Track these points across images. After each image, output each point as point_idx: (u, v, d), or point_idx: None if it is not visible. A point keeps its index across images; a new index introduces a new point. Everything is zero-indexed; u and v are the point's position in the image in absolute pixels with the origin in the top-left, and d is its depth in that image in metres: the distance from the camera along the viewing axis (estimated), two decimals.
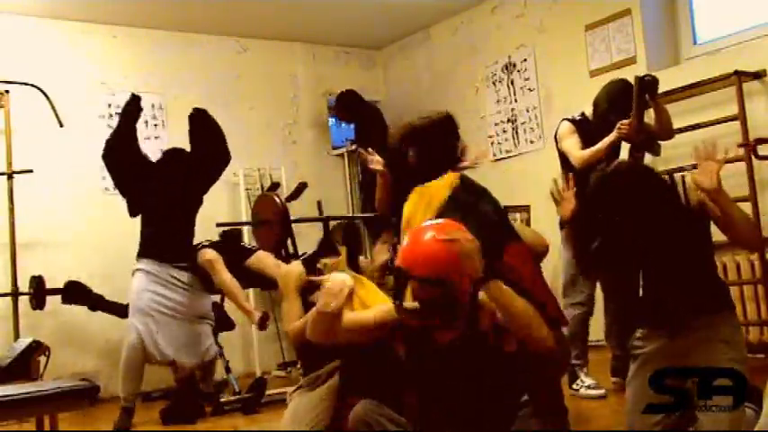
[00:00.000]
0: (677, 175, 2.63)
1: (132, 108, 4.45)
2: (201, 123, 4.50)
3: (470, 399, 2.23)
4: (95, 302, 4.92)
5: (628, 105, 3.83)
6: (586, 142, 3.93)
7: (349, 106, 6.59)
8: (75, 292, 4.92)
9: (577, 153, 3.90)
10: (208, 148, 4.50)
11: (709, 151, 2.48)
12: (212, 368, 4.64)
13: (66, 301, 4.94)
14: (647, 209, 2.53)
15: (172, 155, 4.61)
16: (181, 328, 4.37)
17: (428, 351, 2.27)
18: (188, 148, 4.58)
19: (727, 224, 2.50)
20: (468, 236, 2.27)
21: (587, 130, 3.97)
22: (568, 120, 4.08)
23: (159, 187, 4.43)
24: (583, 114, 4.07)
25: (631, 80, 3.89)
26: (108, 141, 4.48)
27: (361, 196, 6.62)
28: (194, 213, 4.59)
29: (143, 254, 4.40)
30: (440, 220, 2.39)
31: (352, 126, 6.74)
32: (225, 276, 4.37)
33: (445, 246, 2.20)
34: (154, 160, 4.62)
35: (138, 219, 4.50)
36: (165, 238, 4.41)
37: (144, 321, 4.24)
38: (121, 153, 4.43)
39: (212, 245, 4.58)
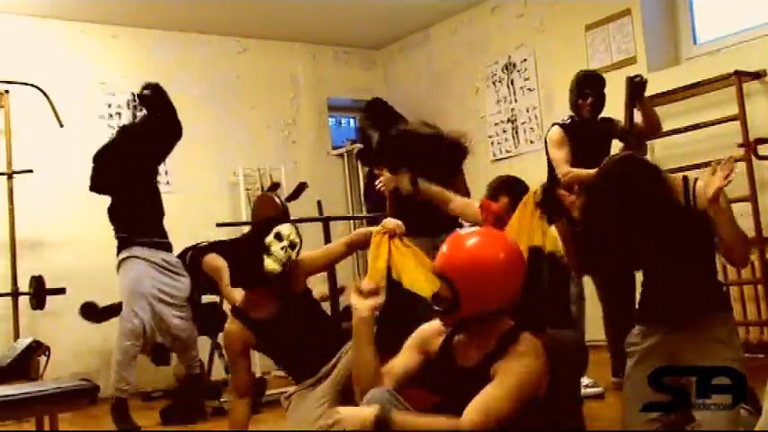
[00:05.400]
0: (691, 177, 2.62)
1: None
2: (156, 99, 4.41)
3: None
4: (107, 315, 4.83)
5: (582, 89, 4.07)
6: (576, 145, 3.97)
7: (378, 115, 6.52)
8: (90, 313, 4.79)
9: (564, 168, 3.97)
10: (163, 123, 4.43)
11: (723, 167, 2.44)
12: (190, 345, 4.49)
13: (86, 316, 4.81)
14: (652, 203, 2.53)
15: (127, 131, 4.53)
16: (172, 313, 4.33)
17: (452, 373, 2.20)
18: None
19: (720, 237, 2.50)
20: (508, 255, 2.15)
21: (577, 132, 4.03)
22: (558, 124, 4.13)
23: (125, 167, 4.33)
24: (571, 118, 4.13)
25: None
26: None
27: (367, 205, 6.51)
28: (158, 188, 4.51)
29: (132, 242, 4.30)
30: (488, 230, 2.33)
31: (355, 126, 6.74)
32: (230, 287, 4.28)
33: (473, 253, 2.13)
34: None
35: None
36: (146, 220, 4.36)
37: (146, 308, 4.20)
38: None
39: (212, 246, 4.57)
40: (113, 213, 4.40)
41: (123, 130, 4.60)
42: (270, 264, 2.88)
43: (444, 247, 2.19)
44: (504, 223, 2.84)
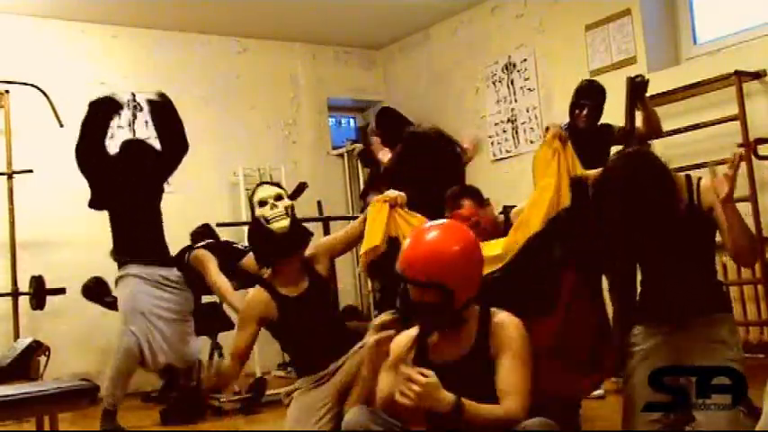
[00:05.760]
0: (694, 176, 2.62)
1: (107, 108, 4.33)
2: (164, 112, 4.41)
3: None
4: (111, 304, 4.83)
5: (578, 98, 4.13)
6: (575, 149, 3.97)
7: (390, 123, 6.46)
8: (98, 289, 4.80)
9: None
10: (171, 137, 4.42)
11: (735, 162, 2.44)
12: (195, 367, 4.49)
13: (87, 295, 4.83)
14: (656, 205, 2.52)
15: (131, 147, 4.47)
16: (173, 330, 4.29)
17: (437, 367, 2.16)
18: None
19: (728, 234, 2.49)
20: (472, 241, 2.17)
21: (573, 137, 4.01)
22: None
23: (125, 183, 4.27)
24: (569, 123, 4.13)
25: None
26: (79, 146, 4.29)
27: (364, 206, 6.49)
28: (159, 206, 4.46)
29: (128, 260, 4.26)
30: (444, 221, 2.32)
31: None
32: (216, 277, 4.23)
33: (445, 248, 2.11)
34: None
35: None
36: (144, 237, 4.31)
37: (141, 326, 4.14)
38: (92, 154, 4.28)
39: (205, 247, 4.57)
40: (113, 231, 4.36)
41: (127, 145, 4.51)
42: (276, 225, 2.90)
43: (412, 253, 2.13)
44: (485, 222, 2.88)
